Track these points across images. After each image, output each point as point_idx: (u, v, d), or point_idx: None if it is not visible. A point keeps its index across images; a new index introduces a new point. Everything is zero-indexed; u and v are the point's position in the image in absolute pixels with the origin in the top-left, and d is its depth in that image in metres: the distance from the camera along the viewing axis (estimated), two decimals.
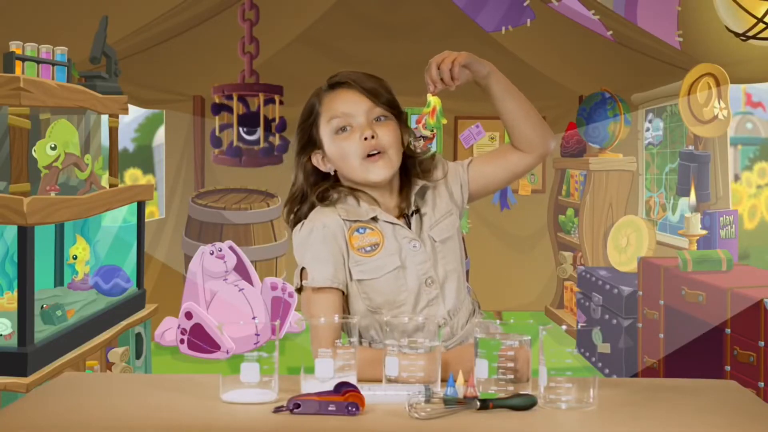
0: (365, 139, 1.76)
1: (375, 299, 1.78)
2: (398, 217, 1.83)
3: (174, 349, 4.93)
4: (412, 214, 1.84)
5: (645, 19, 4.79)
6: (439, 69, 1.76)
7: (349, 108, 1.78)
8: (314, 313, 1.77)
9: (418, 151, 1.89)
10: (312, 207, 1.83)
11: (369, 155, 1.77)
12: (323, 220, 1.78)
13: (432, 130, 1.88)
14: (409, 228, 1.82)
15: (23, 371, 2.79)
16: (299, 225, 1.82)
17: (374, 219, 1.80)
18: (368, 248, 1.78)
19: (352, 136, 1.77)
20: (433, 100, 1.87)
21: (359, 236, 1.78)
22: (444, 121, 1.88)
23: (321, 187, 1.83)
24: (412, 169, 1.87)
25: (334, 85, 1.81)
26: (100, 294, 3.67)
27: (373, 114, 1.78)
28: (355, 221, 1.79)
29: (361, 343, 1.80)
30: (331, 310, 1.76)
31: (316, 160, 1.84)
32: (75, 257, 3.64)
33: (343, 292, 1.79)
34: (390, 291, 1.78)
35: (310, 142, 1.83)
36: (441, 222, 1.86)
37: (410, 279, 1.79)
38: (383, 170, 1.78)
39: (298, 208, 1.85)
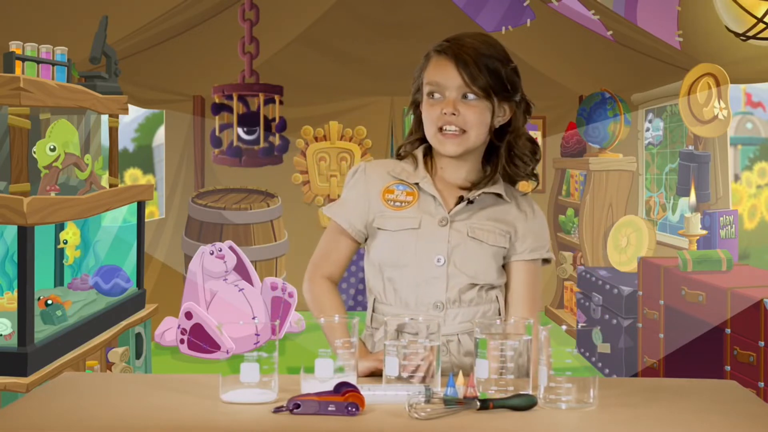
0: (445, 114, 1.80)
1: (383, 252, 1.84)
2: (456, 188, 1.86)
3: (174, 349, 4.92)
4: (468, 202, 1.84)
5: (645, 19, 4.79)
6: None
7: (442, 80, 1.82)
8: (323, 238, 1.92)
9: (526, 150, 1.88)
10: (413, 145, 1.92)
11: (445, 130, 1.81)
12: (366, 167, 1.90)
13: None
14: (452, 208, 1.84)
15: (23, 371, 2.79)
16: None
17: (417, 185, 1.85)
18: (397, 203, 1.85)
19: (438, 106, 1.82)
20: None
21: (395, 190, 1.86)
22: None
23: (409, 140, 1.93)
24: (503, 157, 1.87)
25: (441, 51, 1.84)
26: (100, 294, 3.67)
27: (464, 91, 1.81)
28: (401, 180, 1.86)
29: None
30: (332, 244, 1.90)
31: (419, 109, 1.92)
32: (65, 242, 3.62)
33: (357, 242, 1.89)
34: (398, 248, 1.82)
35: (417, 93, 1.91)
36: (487, 231, 1.84)
37: (421, 248, 1.81)
38: (453, 147, 1.82)
39: (404, 147, 1.95)
